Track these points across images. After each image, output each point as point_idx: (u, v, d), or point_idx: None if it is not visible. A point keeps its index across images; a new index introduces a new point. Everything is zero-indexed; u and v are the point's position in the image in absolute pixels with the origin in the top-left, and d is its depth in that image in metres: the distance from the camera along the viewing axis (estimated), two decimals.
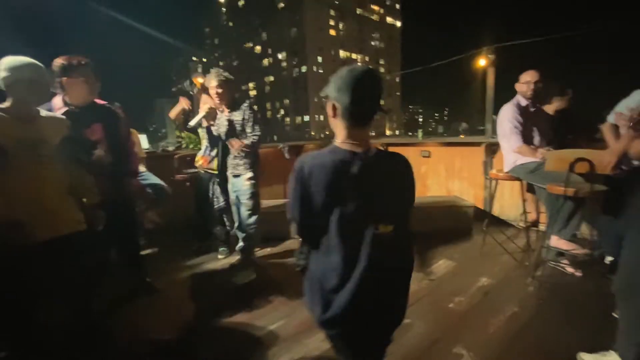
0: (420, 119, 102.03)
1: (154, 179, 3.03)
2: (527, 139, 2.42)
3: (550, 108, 2.92)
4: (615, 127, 2.37)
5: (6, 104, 1.35)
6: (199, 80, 4.85)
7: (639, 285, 1.31)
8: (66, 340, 1.43)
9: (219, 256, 2.89)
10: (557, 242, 2.28)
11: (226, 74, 2.41)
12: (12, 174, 1.28)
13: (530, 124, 2.45)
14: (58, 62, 1.73)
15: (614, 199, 2.15)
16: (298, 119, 58.47)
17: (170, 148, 3.52)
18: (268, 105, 62.88)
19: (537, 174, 2.29)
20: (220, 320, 1.92)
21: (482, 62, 3.60)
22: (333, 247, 0.88)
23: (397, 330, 1.64)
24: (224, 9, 69.05)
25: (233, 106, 2.43)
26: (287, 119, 59.80)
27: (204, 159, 2.81)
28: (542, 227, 2.89)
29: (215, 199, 2.83)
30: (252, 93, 62.48)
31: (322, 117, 56.83)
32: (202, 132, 2.82)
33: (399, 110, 69.77)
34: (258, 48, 62.54)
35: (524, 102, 2.48)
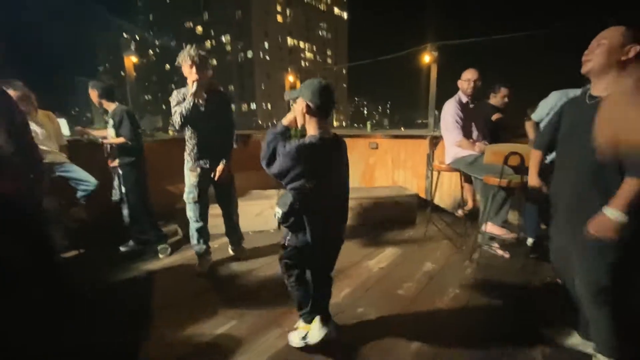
0: (366, 111, 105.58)
1: (80, 173, 2.65)
2: (466, 134, 2.60)
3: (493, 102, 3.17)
4: (536, 125, 2.67)
5: None
6: (132, 59, 4.36)
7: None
8: None
9: (160, 255, 2.66)
10: (490, 228, 2.51)
11: (201, 51, 2.13)
12: None
13: (470, 119, 2.64)
14: None
15: (536, 189, 2.44)
16: (244, 107, 56.40)
17: (103, 132, 3.08)
18: None
19: (475, 166, 2.49)
20: (166, 328, 1.76)
21: (426, 58, 3.79)
22: (322, 193, 1.34)
23: (351, 322, 1.66)
24: None
25: (209, 94, 2.22)
26: (233, 106, 57.34)
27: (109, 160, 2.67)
28: (477, 215, 3.18)
29: (113, 191, 2.69)
30: None
31: (269, 106, 55.60)
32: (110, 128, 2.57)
33: (345, 101, 71.26)
34: (199, 28, 58.46)
35: (464, 99, 2.66)
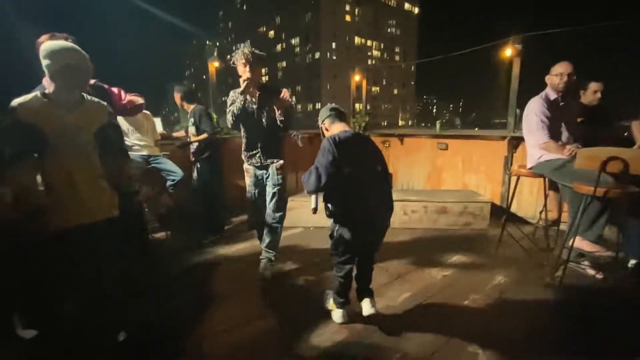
0: (435, 110, 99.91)
1: (170, 165, 3.03)
2: (554, 135, 2.30)
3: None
4: None
5: (49, 90, 1.33)
6: (214, 64, 4.82)
7: None
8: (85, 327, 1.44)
9: (204, 241, 2.90)
10: (580, 243, 2.18)
11: (255, 50, 2.08)
12: (51, 161, 1.29)
13: (559, 119, 2.33)
14: (43, 40, 1.66)
15: None
16: (310, 107, 57.99)
17: (182, 133, 3.50)
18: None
19: (564, 172, 2.19)
20: (224, 315, 1.88)
21: (508, 52, 3.43)
22: (354, 180, 1.55)
23: (410, 327, 1.61)
24: None
25: (262, 90, 2.17)
26: (299, 106, 59.41)
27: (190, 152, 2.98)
28: (563, 227, 2.79)
29: (193, 182, 2.95)
30: (264, 79, 62.08)
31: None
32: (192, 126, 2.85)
33: (413, 100, 68.40)
34: (271, 33, 61.73)
35: (553, 96, 2.35)
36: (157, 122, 3.31)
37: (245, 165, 2.33)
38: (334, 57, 54.58)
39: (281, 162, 2.24)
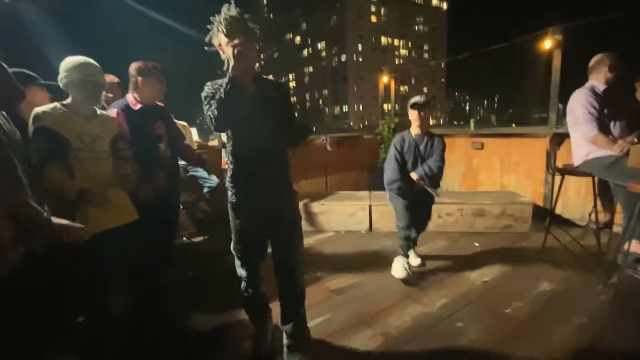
0: (468, 107, 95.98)
1: (205, 173, 3.17)
2: (604, 128, 2.13)
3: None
4: None
5: (67, 101, 1.46)
6: None
7: None
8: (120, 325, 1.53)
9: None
10: (636, 247, 2.00)
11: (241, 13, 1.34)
12: (74, 166, 1.40)
13: (610, 111, 2.15)
14: (135, 64, 1.96)
15: None
16: (337, 109, 58.11)
17: (216, 142, 3.65)
18: (307, 97, 63.15)
19: (615, 170, 2.02)
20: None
21: (547, 43, 3.22)
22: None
23: (446, 337, 1.58)
24: (265, 1, 69.97)
25: (259, 82, 1.36)
26: (326, 109, 59.66)
27: (224, 160, 2.98)
28: (616, 229, 2.57)
29: None
30: (292, 84, 63.06)
31: (360, 107, 55.89)
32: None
33: (443, 98, 66.32)
34: (298, 39, 62.73)
35: (600, 87, 2.18)
36: (194, 131, 3.48)
37: (233, 200, 1.42)
38: (360, 59, 54.39)
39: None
